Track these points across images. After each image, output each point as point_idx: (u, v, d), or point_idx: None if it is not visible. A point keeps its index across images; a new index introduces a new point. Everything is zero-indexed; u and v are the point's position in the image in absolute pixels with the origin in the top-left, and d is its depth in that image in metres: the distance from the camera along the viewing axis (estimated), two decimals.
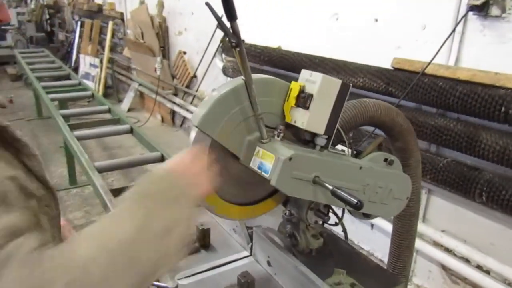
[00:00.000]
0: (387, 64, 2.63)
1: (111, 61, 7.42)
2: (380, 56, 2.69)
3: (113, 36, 7.44)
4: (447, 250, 2.56)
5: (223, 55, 4.59)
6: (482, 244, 2.40)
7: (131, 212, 0.66)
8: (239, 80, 1.04)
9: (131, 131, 3.18)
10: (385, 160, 1.22)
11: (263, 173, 1.01)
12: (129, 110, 6.93)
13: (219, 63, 4.62)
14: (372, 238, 3.16)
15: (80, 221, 3.57)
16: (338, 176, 1.07)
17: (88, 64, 7.64)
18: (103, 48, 7.57)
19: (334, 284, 1.11)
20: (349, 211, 1.25)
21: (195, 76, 5.47)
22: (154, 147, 2.61)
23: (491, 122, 2.12)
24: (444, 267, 2.64)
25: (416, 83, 2.37)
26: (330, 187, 0.98)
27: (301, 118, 1.04)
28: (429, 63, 2.33)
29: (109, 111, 3.86)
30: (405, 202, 1.28)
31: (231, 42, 0.91)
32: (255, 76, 1.07)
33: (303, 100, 1.04)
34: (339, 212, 1.29)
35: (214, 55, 4.74)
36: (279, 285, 1.18)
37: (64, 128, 2.98)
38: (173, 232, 0.66)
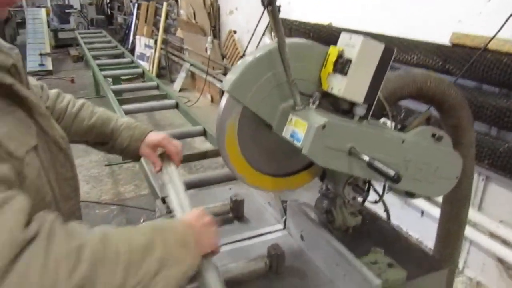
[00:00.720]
0: (445, 40, 2.43)
1: (164, 42, 7.59)
2: (438, 32, 2.49)
3: (167, 17, 7.58)
4: (505, 242, 2.37)
5: (272, 34, 4.51)
6: None
7: (146, 233, 0.75)
8: (274, 44, 0.99)
9: (176, 106, 3.24)
10: (433, 135, 1.12)
11: (295, 142, 0.96)
12: (180, 90, 7.08)
13: (268, 42, 4.55)
14: (422, 226, 3.00)
15: (129, 194, 3.72)
16: (376, 148, 0.99)
17: (143, 45, 7.87)
18: (157, 29, 7.75)
19: (370, 262, 1.05)
20: (390, 188, 1.17)
21: (244, 55, 5.44)
22: (196, 122, 2.64)
23: None
24: (500, 260, 2.45)
25: (477, 59, 2.17)
26: (367, 158, 0.91)
27: (338, 85, 0.98)
28: (493, 37, 2.11)
29: (157, 87, 3.96)
30: (454, 182, 1.18)
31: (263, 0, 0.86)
32: (291, 40, 1.01)
33: (341, 65, 0.97)
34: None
35: (263, 34, 4.67)
36: (311, 260, 1.13)
37: (113, 101, 3.09)
38: (167, 268, 0.73)
